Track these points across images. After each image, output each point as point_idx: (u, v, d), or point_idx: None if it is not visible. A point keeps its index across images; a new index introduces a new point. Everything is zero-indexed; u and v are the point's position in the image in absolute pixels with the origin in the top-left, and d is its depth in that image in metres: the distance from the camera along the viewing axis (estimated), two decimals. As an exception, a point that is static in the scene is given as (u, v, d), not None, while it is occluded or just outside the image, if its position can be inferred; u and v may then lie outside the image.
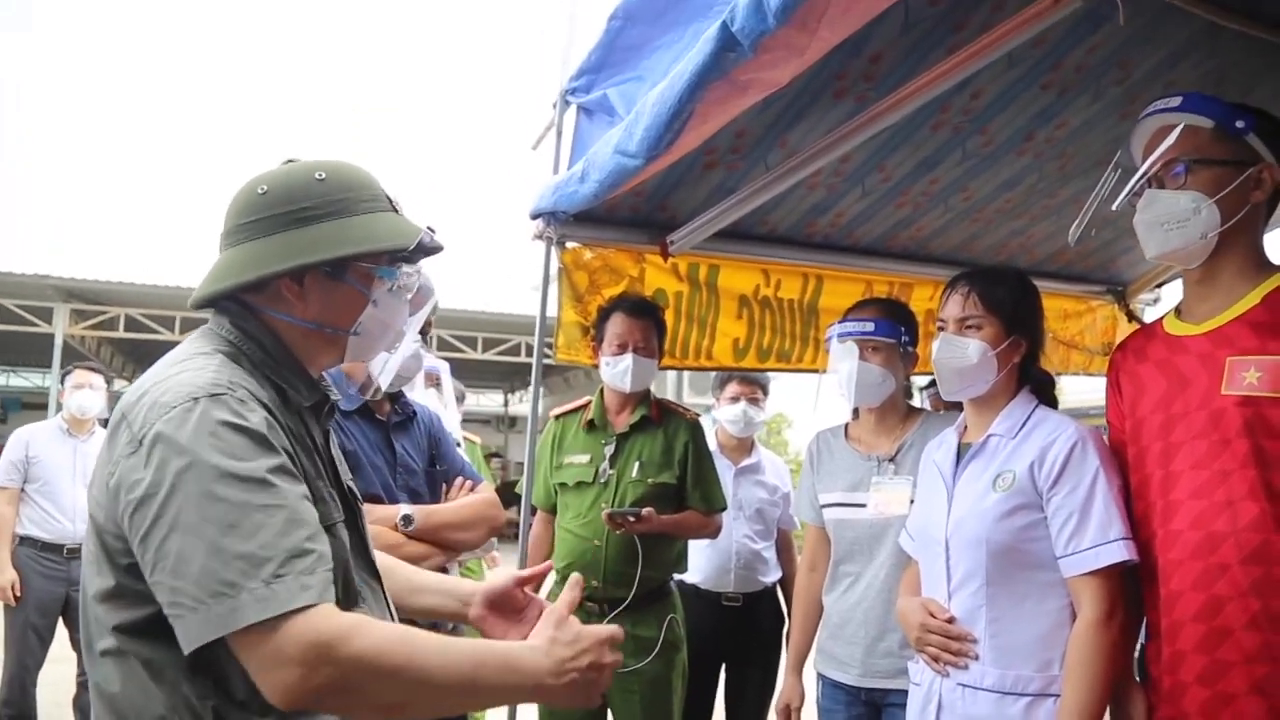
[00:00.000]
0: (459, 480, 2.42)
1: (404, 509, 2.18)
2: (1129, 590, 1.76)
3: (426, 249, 1.47)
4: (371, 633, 1.13)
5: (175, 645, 1.13)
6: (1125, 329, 4.10)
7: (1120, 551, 1.72)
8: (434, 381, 3.92)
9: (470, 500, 2.36)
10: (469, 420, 5.54)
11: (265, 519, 1.13)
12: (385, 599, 1.49)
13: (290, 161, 1.44)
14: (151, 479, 1.14)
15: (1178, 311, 1.77)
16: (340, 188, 1.39)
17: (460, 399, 5.40)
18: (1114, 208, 1.71)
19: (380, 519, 2.02)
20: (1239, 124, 1.61)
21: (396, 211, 1.46)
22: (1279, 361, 1.52)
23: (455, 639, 1.22)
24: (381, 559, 1.55)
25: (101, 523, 1.22)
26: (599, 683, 1.27)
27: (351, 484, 1.53)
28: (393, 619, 1.49)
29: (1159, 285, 4.13)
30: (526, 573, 1.60)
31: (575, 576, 1.40)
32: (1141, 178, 1.66)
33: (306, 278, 1.37)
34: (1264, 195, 1.64)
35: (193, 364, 1.28)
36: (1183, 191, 1.63)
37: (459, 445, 5.30)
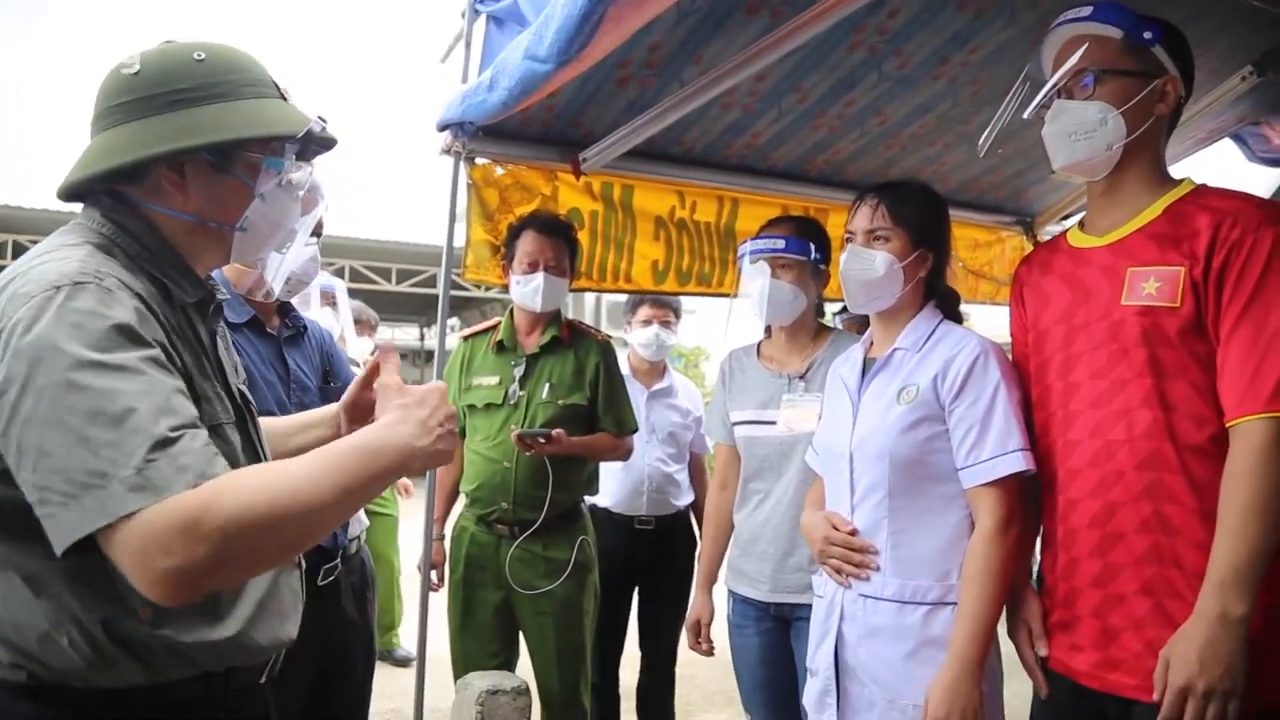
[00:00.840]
0: None
1: None
2: (1026, 501, 1.80)
3: (318, 141, 1.38)
4: (232, 492, 1.04)
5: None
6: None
7: (1018, 462, 1.75)
8: (329, 300, 3.80)
9: None
10: (384, 352, 5.39)
11: (133, 404, 1.05)
12: None
13: (167, 42, 1.33)
14: (6, 373, 1.06)
15: (1081, 225, 1.79)
16: (222, 69, 1.29)
17: (373, 326, 5.26)
18: (1025, 116, 1.71)
19: (277, 435, 1.95)
20: (1147, 35, 1.61)
21: (285, 99, 1.36)
22: (1177, 272, 1.55)
23: (308, 455, 1.14)
24: (262, 422, 1.50)
25: None
26: (454, 432, 1.25)
27: (243, 387, 1.46)
28: None
29: (1065, 217, 4.22)
30: (366, 371, 1.56)
31: (386, 344, 1.37)
32: (1052, 88, 1.66)
33: (187, 166, 1.28)
34: (1167, 109, 1.66)
35: (57, 254, 1.18)
36: (1090, 102, 1.63)
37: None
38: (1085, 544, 1.63)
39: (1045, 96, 1.68)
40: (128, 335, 1.11)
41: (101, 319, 1.09)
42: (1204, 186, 1.65)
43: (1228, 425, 1.49)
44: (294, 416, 1.64)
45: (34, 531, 1.07)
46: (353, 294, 5.28)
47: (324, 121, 1.36)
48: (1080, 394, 1.66)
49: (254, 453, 1.40)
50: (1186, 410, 1.54)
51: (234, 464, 1.28)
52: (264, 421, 1.53)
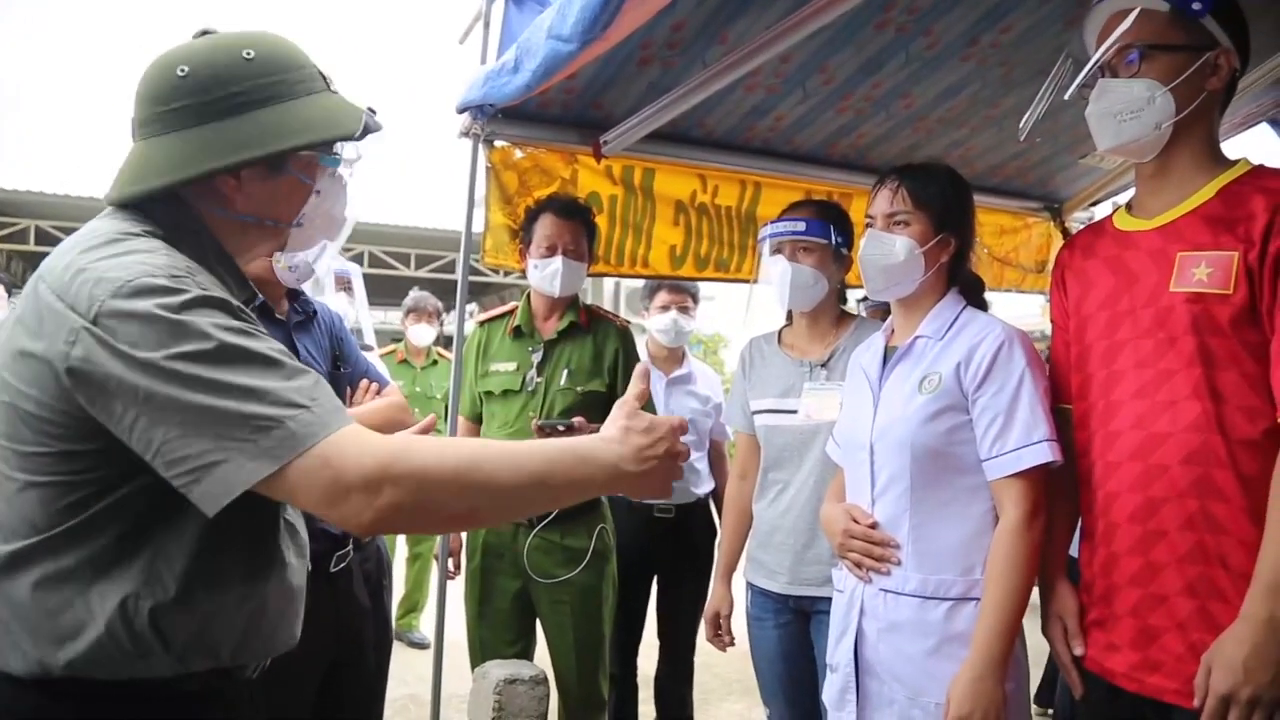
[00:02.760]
0: (364, 383, 2.31)
1: None
2: (1053, 494, 1.75)
3: (369, 130, 1.36)
4: (425, 447, 1.09)
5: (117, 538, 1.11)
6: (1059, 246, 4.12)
7: (1044, 453, 1.70)
8: (344, 285, 3.78)
9: (379, 405, 2.26)
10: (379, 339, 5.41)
11: (275, 356, 1.09)
12: None
13: (205, 33, 1.29)
14: (129, 356, 1.04)
15: (1129, 207, 1.71)
16: (272, 68, 1.26)
17: (431, 314, 5.27)
18: (1066, 97, 1.64)
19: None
20: (1196, 5, 1.53)
21: (331, 89, 1.35)
22: (1230, 257, 1.47)
23: (519, 443, 1.16)
24: None
25: (31, 408, 1.10)
26: (674, 471, 1.23)
27: None
28: (297, 517, 1.42)
29: (1094, 204, 4.15)
30: (416, 428, 1.55)
31: (643, 366, 1.35)
32: (1095, 65, 1.58)
33: (244, 171, 1.26)
34: (1220, 83, 1.57)
35: (133, 244, 1.16)
36: (1136, 79, 1.55)
37: (435, 363, 5.24)
38: (1125, 540, 1.57)
39: (1087, 75, 1.60)
40: (233, 313, 1.12)
41: (207, 302, 1.10)
42: (1261, 167, 1.57)
43: None
44: None
45: (110, 513, 1.11)
46: (372, 280, 5.26)
47: (373, 113, 1.35)
48: (1123, 384, 1.59)
49: None
50: (1238, 402, 1.46)
51: None
52: None
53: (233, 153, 1.21)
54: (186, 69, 1.23)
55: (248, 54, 1.25)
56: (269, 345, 1.11)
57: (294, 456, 1.03)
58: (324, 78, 1.34)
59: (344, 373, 2.28)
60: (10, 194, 12.49)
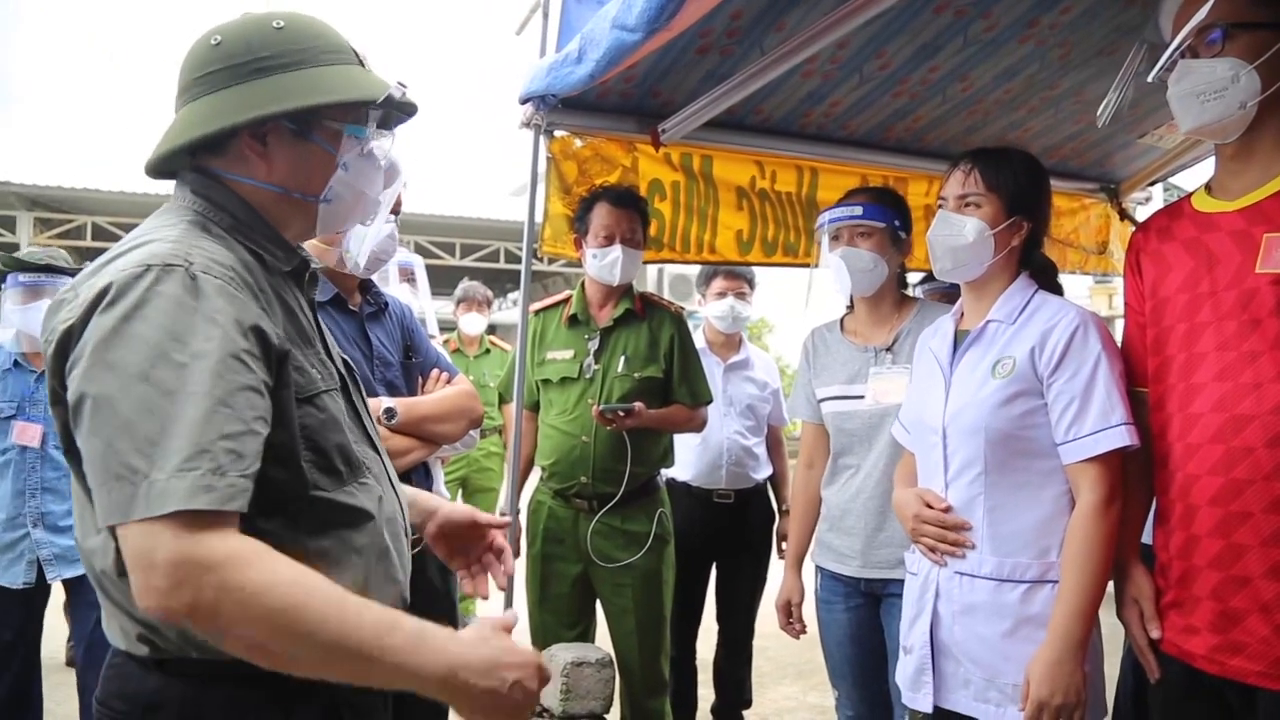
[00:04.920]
0: (434, 372, 2.36)
1: (386, 402, 2.12)
2: (1130, 476, 1.74)
3: (399, 108, 1.38)
4: (258, 568, 1.01)
5: None
6: (1118, 228, 4.07)
7: (1121, 437, 1.70)
8: (408, 276, 3.84)
9: (449, 392, 2.32)
10: (444, 328, 5.45)
11: (188, 406, 1.04)
12: (388, 470, 1.44)
13: (246, 14, 1.33)
14: (85, 353, 1.07)
15: (1208, 188, 1.69)
16: (301, 37, 1.29)
17: (480, 303, 5.33)
18: (1150, 80, 1.62)
19: (362, 413, 1.98)
20: None
21: (363, 66, 1.36)
22: None
23: (369, 603, 1.08)
24: None
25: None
26: (521, 709, 1.12)
27: (346, 358, 1.47)
28: (396, 492, 1.44)
29: (1151, 184, 4.09)
30: (483, 517, 1.56)
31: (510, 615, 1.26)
32: (1178, 48, 1.56)
33: (269, 135, 1.28)
34: None
35: (155, 235, 1.19)
36: (1219, 59, 1.53)
37: (487, 351, 5.31)
38: (1205, 522, 1.56)
39: (1169, 59, 1.58)
40: (211, 325, 1.10)
41: (184, 309, 1.09)
42: None
43: None
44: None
45: None
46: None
47: (404, 87, 1.35)
48: (1205, 366, 1.58)
49: (358, 420, 1.40)
50: None
51: (336, 431, 1.29)
52: None
53: (253, 109, 1.23)
54: (220, 38, 1.27)
55: (278, 24, 1.28)
56: (206, 381, 1.08)
57: (129, 520, 1.01)
58: (357, 55, 1.35)
59: (415, 362, 2.33)
60: (67, 191, 12.76)
